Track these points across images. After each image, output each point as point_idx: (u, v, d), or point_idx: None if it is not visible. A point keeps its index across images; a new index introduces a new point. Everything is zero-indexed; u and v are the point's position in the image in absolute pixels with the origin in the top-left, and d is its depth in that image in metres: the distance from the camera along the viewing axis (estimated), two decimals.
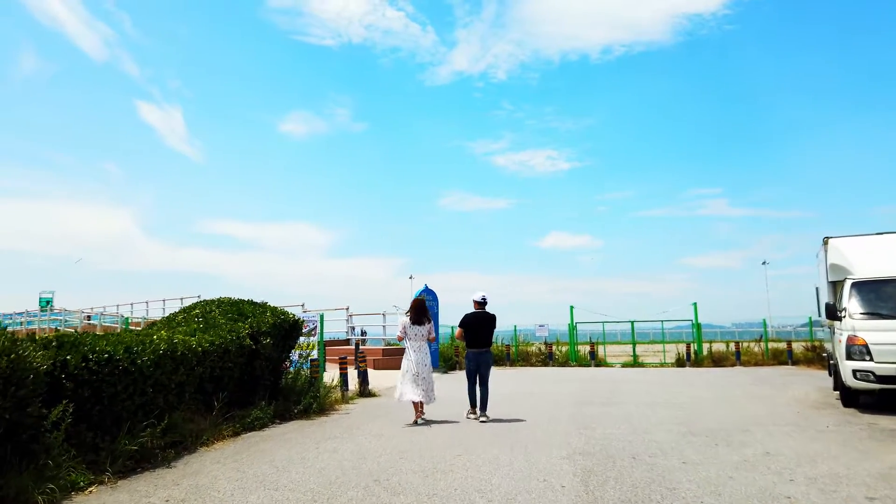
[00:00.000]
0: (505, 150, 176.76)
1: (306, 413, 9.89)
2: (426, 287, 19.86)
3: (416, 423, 8.90)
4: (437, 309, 20.15)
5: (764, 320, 22.71)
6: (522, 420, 9.09)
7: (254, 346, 9.22)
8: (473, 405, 9.51)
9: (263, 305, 10.34)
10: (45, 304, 46.06)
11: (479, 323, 9.57)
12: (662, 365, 22.47)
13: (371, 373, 17.73)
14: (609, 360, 24.03)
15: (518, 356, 23.96)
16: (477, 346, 9.59)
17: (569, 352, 23.76)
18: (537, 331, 25.02)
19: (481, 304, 9.69)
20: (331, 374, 16.20)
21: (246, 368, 9.23)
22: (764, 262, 58.03)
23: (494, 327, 9.81)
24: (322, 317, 15.16)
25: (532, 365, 23.30)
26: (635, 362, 22.96)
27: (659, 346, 33.95)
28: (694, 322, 22.69)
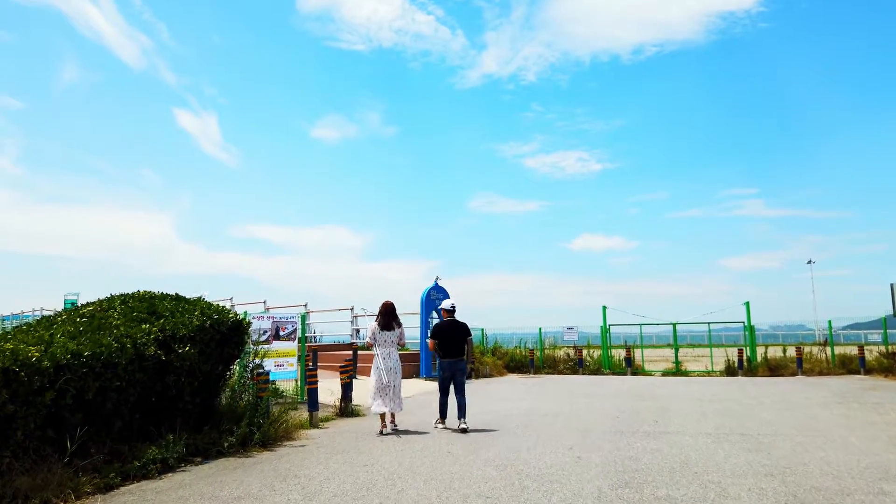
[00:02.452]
0: (535, 153, 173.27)
1: (244, 446, 7.19)
2: (436, 284, 17.11)
3: (381, 432, 8.35)
4: None
5: (829, 322, 19.27)
6: (535, 464, 6.21)
7: (163, 357, 6.56)
8: (443, 417, 8.92)
9: (193, 302, 7.67)
10: (70, 305, 44.78)
11: (450, 332, 8.93)
12: (710, 373, 19.25)
13: (369, 383, 15.05)
14: (647, 366, 20.89)
15: (544, 362, 20.99)
16: (451, 356, 8.87)
17: (601, 357, 20.69)
18: (565, 334, 21.98)
19: (450, 312, 9.19)
20: (324, 386, 13.60)
21: (152, 387, 6.58)
22: (809, 262, 53.42)
23: (469, 335, 9.04)
24: (304, 317, 12.45)
25: (559, 372, 20.30)
26: (678, 370, 19.78)
27: (701, 351, 30.54)
28: (746, 324, 19.40)
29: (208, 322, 7.22)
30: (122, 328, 6.34)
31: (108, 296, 7.51)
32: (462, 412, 8.57)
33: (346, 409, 10.30)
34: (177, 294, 7.80)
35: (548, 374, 20.19)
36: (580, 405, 11.19)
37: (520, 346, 22.25)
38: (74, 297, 48.91)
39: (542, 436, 7.88)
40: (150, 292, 7.69)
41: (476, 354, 19.20)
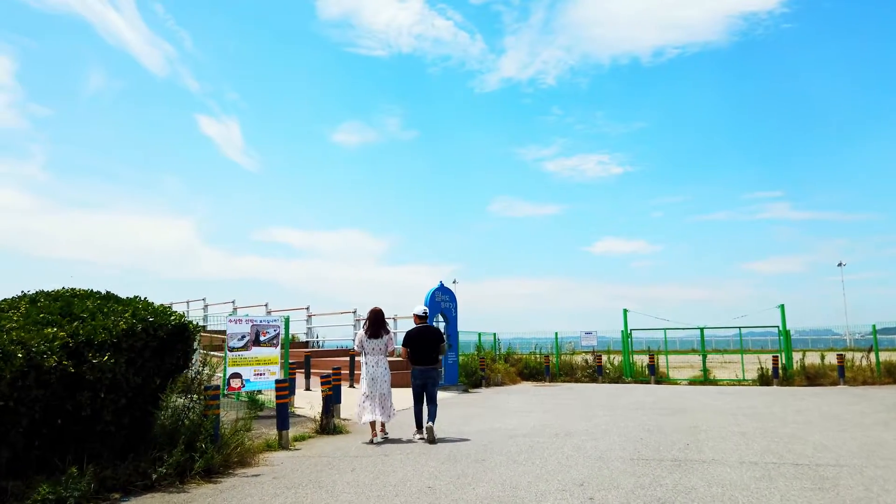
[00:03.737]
0: (555, 156, 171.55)
1: (182, 477, 5.84)
2: (441, 285, 15.69)
3: (372, 441, 8.03)
4: (455, 312, 15.93)
5: (874, 326, 17.43)
6: None
7: (72, 368, 5.25)
8: (420, 426, 8.38)
9: (126, 302, 6.34)
10: None
11: (423, 338, 8.52)
12: (741, 382, 17.55)
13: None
14: (672, 374, 19.25)
15: (560, 369, 19.44)
16: (423, 363, 8.44)
17: (622, 364, 19.08)
18: (583, 339, 20.41)
19: (422, 317, 8.80)
20: (316, 397, 12.33)
21: (58, 406, 5.26)
22: (840, 264, 51.09)
23: (442, 342, 8.69)
24: (287, 320, 11.13)
25: (577, 380, 18.75)
26: (706, 378, 18.11)
27: (728, 357, 28.70)
28: (781, 328, 17.65)
29: (140, 326, 5.89)
30: (14, 333, 5.03)
31: (21, 293, 6.21)
32: (431, 417, 8.17)
33: (328, 425, 8.92)
34: (107, 292, 6.48)
35: (564, 381, 18.66)
36: (597, 422, 9.67)
37: (535, 352, 20.75)
38: None
39: (548, 464, 6.41)
40: (71, 289, 6.38)
41: (487, 361, 17.74)
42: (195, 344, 6.69)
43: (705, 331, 19.27)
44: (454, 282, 59.56)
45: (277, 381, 7.99)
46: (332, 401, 9.24)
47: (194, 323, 6.66)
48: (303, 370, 14.39)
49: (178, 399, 6.56)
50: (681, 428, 8.86)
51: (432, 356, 8.47)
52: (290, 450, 7.57)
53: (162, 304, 6.59)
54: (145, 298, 6.60)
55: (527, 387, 17.16)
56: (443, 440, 8.12)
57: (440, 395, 14.31)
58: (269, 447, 7.54)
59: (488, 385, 16.89)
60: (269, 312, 21.31)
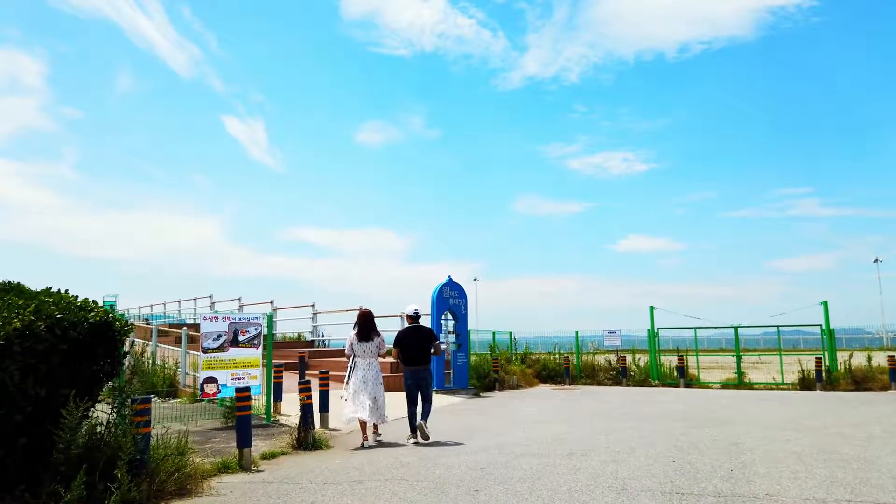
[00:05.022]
0: (579, 153, 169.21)
1: None
2: (449, 279, 14.35)
3: (363, 445, 7.67)
4: (466, 309, 14.58)
5: None
6: None
7: None
8: (414, 430, 7.96)
9: (32, 294, 5.11)
10: (108, 307, 43.93)
11: (414, 338, 8.21)
12: (779, 386, 15.91)
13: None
14: (702, 376, 17.66)
15: (581, 371, 17.98)
16: (415, 364, 8.17)
17: (649, 365, 17.54)
18: (606, 338, 18.90)
19: (414, 318, 8.48)
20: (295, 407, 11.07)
21: None
22: (876, 260, 48.64)
23: (434, 341, 8.32)
24: (270, 317, 9.87)
25: (599, 383, 17.27)
26: (740, 381, 16.49)
27: (763, 357, 26.89)
28: (824, 327, 15.95)
29: (43, 324, 4.67)
30: None
31: None
32: (425, 416, 7.99)
33: (306, 439, 7.64)
34: (9, 283, 5.26)
35: (586, 384, 17.21)
36: (620, 436, 8.25)
37: (554, 352, 19.31)
38: (112, 300, 48.19)
39: (556, 499, 5.03)
40: None
41: (501, 362, 16.37)
42: (125, 346, 5.45)
43: (739, 330, 17.66)
44: (475, 279, 58.18)
45: (237, 390, 6.73)
46: (311, 410, 7.96)
47: (122, 320, 5.44)
48: (297, 372, 13.17)
49: (100, 414, 5.35)
50: (720, 445, 7.39)
51: (423, 356, 8.21)
52: (252, 471, 6.31)
53: (86, 299, 5.38)
54: (65, 291, 5.38)
55: (544, 390, 15.75)
56: (436, 444, 7.51)
57: (447, 399, 13.01)
58: (225, 468, 6.28)
59: (502, 388, 15.52)
60: (274, 310, 20.21)
